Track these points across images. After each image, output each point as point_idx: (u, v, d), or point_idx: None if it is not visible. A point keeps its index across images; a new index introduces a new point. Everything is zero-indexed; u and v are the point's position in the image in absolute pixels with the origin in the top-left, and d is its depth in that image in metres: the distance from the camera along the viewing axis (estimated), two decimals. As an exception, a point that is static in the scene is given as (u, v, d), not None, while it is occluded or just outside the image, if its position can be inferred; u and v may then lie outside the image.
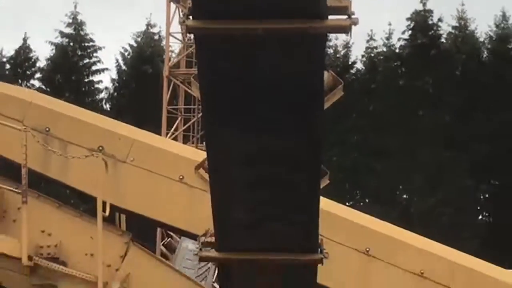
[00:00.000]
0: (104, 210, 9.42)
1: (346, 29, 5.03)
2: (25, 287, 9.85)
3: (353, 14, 4.99)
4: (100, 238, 9.41)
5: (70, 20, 55.66)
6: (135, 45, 57.71)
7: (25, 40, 57.80)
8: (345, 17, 4.93)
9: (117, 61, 58.57)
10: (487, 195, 64.85)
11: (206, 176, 8.78)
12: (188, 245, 12.54)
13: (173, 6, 35.21)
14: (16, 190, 9.42)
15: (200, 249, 7.28)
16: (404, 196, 66.26)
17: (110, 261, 9.54)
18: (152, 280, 9.92)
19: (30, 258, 9.27)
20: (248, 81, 5.76)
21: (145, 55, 55.33)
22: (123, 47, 57.10)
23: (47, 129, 9.84)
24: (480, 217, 65.35)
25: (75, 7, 54.07)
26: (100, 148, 9.63)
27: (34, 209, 9.49)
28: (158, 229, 14.29)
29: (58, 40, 55.51)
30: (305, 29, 5.01)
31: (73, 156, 9.72)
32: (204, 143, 9.18)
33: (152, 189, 9.97)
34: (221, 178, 6.68)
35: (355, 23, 5.21)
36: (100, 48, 57.34)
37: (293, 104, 5.76)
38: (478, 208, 64.83)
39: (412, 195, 58.97)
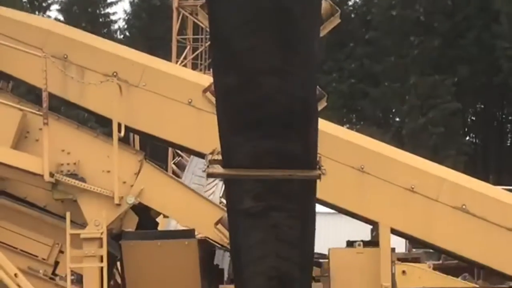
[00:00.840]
0: (119, 131, 9.41)
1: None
2: (47, 201, 9.88)
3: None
4: (115, 156, 9.45)
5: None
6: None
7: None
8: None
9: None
10: (473, 118, 64.79)
11: (213, 99, 8.88)
12: (197, 164, 12.45)
13: None
14: (38, 113, 9.40)
15: (208, 166, 7.26)
16: (397, 119, 66.56)
17: (125, 177, 9.55)
18: (164, 194, 9.97)
19: (51, 175, 9.28)
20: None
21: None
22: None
23: (65, 56, 9.71)
24: (467, 138, 65.47)
25: None
26: (115, 73, 9.59)
27: (54, 130, 9.49)
28: (169, 149, 14.23)
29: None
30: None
31: (90, 82, 9.65)
32: (211, 70, 9.19)
33: (162, 111, 9.90)
34: (226, 102, 6.74)
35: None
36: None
37: None
38: (466, 129, 64.96)
39: (404, 117, 59.06)
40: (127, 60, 10.19)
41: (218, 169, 7.25)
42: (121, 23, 57.60)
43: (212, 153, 7.44)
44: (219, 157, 7.26)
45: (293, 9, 5.84)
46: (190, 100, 9.81)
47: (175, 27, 35.58)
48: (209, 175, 7.41)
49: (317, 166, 7.08)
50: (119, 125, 9.46)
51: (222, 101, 7.12)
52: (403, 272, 11.60)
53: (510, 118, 66.93)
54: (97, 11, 57.30)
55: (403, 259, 13.49)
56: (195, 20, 34.72)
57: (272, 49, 6.55)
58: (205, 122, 9.71)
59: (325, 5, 6.28)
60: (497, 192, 10.68)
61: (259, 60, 6.55)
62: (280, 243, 8.23)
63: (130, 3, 59.16)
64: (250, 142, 6.81)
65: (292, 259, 8.62)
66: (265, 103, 6.74)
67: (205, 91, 9.87)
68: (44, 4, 58.48)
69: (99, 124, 11.38)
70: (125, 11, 58.54)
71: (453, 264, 16.02)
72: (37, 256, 9.94)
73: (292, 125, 6.81)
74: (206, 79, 10.65)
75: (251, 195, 7.60)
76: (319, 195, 8.14)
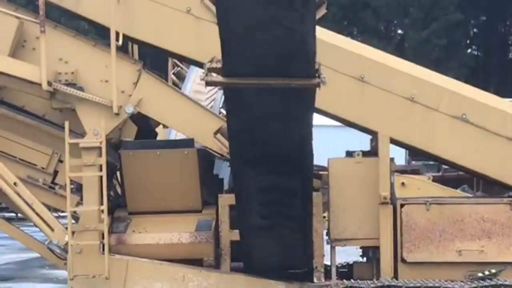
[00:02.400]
0: (117, 40, 9.40)
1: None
2: (46, 110, 9.94)
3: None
4: (113, 65, 9.42)
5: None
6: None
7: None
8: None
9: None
10: (476, 30, 64.72)
11: (212, 6, 9.03)
12: (197, 73, 12.46)
13: None
14: (35, 20, 9.36)
15: (206, 75, 7.41)
16: (399, 31, 66.60)
17: (123, 87, 9.55)
18: (163, 104, 9.96)
19: (49, 83, 9.30)
20: None
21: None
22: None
23: None
24: (469, 50, 65.58)
25: None
26: None
27: (51, 38, 9.46)
28: (169, 60, 14.21)
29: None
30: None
31: None
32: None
33: (161, 20, 9.83)
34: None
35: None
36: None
37: None
38: (468, 41, 65.08)
39: (406, 29, 59.07)
40: None
41: (217, 77, 7.38)
42: None
43: (211, 61, 7.56)
44: (218, 65, 7.36)
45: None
46: (189, 8, 9.71)
47: None
48: (208, 84, 7.57)
49: (317, 75, 7.15)
50: (117, 33, 9.43)
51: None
52: (402, 183, 11.69)
53: (512, 30, 67.05)
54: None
55: (402, 171, 13.61)
56: None
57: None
58: (204, 30, 9.71)
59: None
60: (498, 101, 10.72)
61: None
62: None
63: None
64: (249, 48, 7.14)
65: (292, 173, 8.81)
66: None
67: None
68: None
69: (100, 37, 11.39)
70: None
71: (453, 176, 16.06)
72: (36, 165, 10.03)
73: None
74: None
75: None
76: (319, 105, 8.41)
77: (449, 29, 58.89)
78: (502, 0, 57.75)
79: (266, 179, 8.80)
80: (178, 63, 13.90)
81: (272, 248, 9.43)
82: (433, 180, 12.73)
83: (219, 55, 7.82)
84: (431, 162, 17.93)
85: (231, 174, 10.11)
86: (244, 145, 8.51)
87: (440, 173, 22.12)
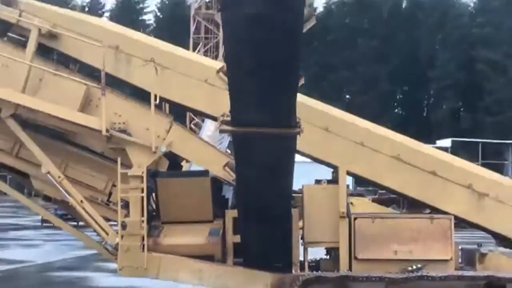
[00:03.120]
0: (155, 100, 9.28)
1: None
2: (104, 149, 9.85)
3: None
4: (153, 118, 9.29)
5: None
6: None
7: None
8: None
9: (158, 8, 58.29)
10: (401, 96, 64.89)
11: (224, 78, 8.95)
12: (210, 123, 12.35)
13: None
14: (98, 86, 9.28)
15: (220, 125, 7.42)
16: (347, 96, 66.82)
17: (159, 133, 9.45)
18: (186, 145, 9.83)
19: (107, 130, 9.19)
20: None
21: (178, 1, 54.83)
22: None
23: (117, 46, 9.61)
24: (396, 110, 65.77)
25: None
26: (152, 59, 9.50)
27: (109, 99, 9.30)
28: (188, 114, 14.11)
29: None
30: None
31: (135, 65, 9.63)
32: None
33: (186, 86, 9.73)
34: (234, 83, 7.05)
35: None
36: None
37: None
38: (395, 104, 65.35)
39: (353, 95, 59.31)
40: (161, 50, 10.02)
41: (227, 127, 7.36)
42: (153, 25, 57.53)
43: (222, 115, 7.51)
44: (228, 118, 7.33)
45: None
46: (206, 79, 9.68)
47: (192, 28, 35.98)
48: (221, 131, 7.49)
49: (298, 125, 7.19)
50: (155, 96, 9.32)
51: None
52: (351, 203, 11.59)
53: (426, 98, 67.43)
54: (135, 17, 57.45)
55: (351, 194, 13.60)
56: (206, 24, 35.03)
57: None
58: (217, 94, 9.56)
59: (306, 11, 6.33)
60: (421, 145, 10.57)
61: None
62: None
63: (159, 9, 59.02)
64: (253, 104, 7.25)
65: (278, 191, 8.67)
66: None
67: (218, 71, 9.71)
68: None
69: (140, 98, 11.45)
70: (155, 16, 58.26)
71: (385, 198, 15.96)
72: (96, 188, 9.92)
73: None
74: (216, 63, 10.47)
75: None
76: (298, 147, 8.35)
77: (382, 95, 59.27)
78: (419, 74, 58.30)
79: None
80: (193, 116, 13.72)
81: (263, 248, 9.32)
82: (372, 201, 12.77)
83: (227, 111, 7.78)
84: (370, 188, 17.88)
85: (234, 196, 9.92)
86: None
87: (376, 196, 22.17)
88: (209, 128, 12.80)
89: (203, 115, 11.41)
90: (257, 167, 7.99)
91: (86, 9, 55.25)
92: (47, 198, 10.22)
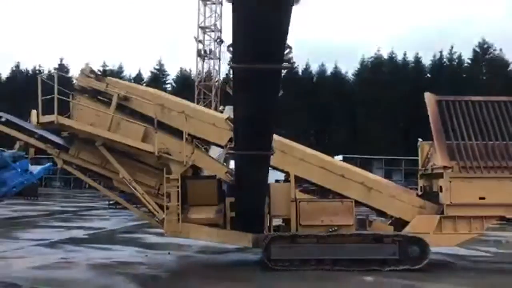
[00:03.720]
0: (186, 135, 10.51)
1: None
2: (155, 163, 10.75)
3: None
4: (184, 145, 10.42)
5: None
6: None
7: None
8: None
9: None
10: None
11: (230, 124, 9.89)
12: (215, 149, 12.81)
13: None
14: (152, 127, 10.44)
15: (227, 149, 8.36)
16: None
17: (187, 153, 10.53)
18: (203, 161, 10.90)
19: (158, 152, 10.36)
20: None
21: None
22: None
23: (162, 104, 10.81)
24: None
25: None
26: (183, 111, 10.63)
27: (159, 135, 10.47)
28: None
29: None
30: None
31: (173, 115, 10.70)
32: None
33: (202, 127, 10.80)
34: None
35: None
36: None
37: None
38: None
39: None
40: (187, 106, 11.27)
41: (232, 151, 8.25)
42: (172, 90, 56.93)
43: (227, 145, 8.88)
44: (232, 145, 8.36)
45: None
46: (213, 123, 10.89)
47: (196, 92, 35.79)
48: (228, 153, 8.56)
49: (273, 150, 8.11)
50: (187, 133, 10.57)
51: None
52: None
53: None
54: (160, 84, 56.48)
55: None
56: (204, 90, 35.25)
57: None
58: (222, 132, 10.75)
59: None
60: (333, 159, 11.81)
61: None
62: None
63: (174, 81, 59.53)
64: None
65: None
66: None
67: (226, 119, 10.60)
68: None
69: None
70: (172, 85, 58.82)
71: (308, 188, 15.94)
72: (151, 185, 10.99)
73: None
74: (219, 114, 11.87)
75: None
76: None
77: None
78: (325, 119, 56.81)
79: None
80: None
81: (248, 219, 10.49)
82: (299, 191, 12.38)
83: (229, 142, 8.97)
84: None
85: (228, 189, 10.80)
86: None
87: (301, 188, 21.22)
88: (214, 150, 13.43)
89: (210, 144, 12.00)
90: (249, 173, 8.91)
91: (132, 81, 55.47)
92: (122, 192, 11.39)
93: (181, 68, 62.03)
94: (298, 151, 11.08)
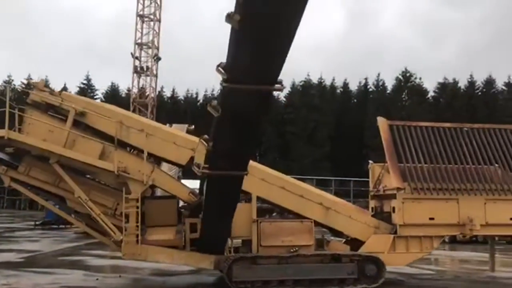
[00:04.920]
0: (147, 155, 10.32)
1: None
2: (113, 182, 10.53)
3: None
4: (144, 164, 10.26)
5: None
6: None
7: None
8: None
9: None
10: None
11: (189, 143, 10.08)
12: (166, 166, 12.14)
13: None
14: (111, 145, 10.16)
15: (201, 170, 7.95)
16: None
17: (147, 173, 10.29)
18: (164, 181, 10.65)
19: (117, 171, 10.13)
20: None
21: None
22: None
23: (121, 121, 10.45)
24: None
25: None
26: (142, 129, 10.43)
27: (118, 153, 10.13)
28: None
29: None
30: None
31: (132, 133, 10.48)
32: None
33: (163, 146, 10.58)
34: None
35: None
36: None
37: None
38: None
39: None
40: (147, 124, 11.03)
41: (207, 170, 7.89)
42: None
43: (198, 165, 8.24)
44: (204, 166, 8.02)
45: None
46: (174, 142, 10.70)
47: (131, 109, 33.67)
48: (203, 174, 8.09)
49: (245, 172, 8.05)
50: (146, 152, 10.37)
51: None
52: None
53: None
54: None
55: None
56: (139, 107, 33.91)
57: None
58: (181, 152, 10.63)
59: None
60: (294, 180, 11.62)
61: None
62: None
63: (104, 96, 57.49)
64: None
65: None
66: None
67: (201, 139, 9.72)
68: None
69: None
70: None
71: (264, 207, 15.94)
72: (107, 206, 10.63)
73: None
74: (179, 132, 11.50)
75: None
76: None
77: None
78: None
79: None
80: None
81: (211, 241, 10.25)
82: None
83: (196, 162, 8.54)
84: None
85: (188, 209, 10.61)
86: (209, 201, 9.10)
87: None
88: (163, 168, 12.71)
89: (170, 163, 11.48)
90: (222, 193, 8.65)
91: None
92: (76, 212, 10.84)
93: (112, 83, 60.26)
94: (259, 171, 11.04)
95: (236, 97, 5.98)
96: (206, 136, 8.04)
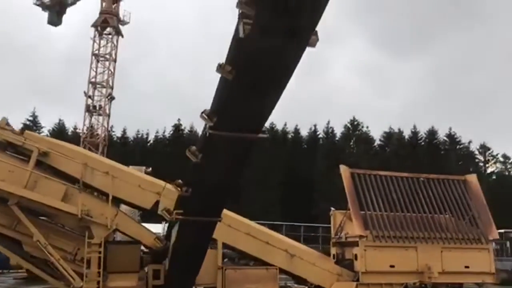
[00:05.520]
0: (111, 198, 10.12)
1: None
2: (74, 226, 10.33)
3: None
4: (109, 209, 10.06)
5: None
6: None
7: None
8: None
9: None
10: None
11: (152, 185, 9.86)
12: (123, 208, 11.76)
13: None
14: (75, 187, 9.98)
15: (175, 215, 8.12)
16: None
17: (111, 216, 10.11)
18: (128, 226, 10.54)
19: (80, 214, 9.87)
20: None
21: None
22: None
23: (86, 163, 10.29)
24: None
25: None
26: (107, 172, 10.30)
27: (82, 196, 9.95)
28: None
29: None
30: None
31: (97, 175, 10.32)
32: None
33: (128, 188, 10.46)
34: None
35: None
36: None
37: None
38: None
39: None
40: (113, 166, 10.83)
41: (181, 216, 7.98)
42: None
43: (170, 212, 8.42)
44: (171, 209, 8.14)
45: None
46: (139, 185, 10.60)
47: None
48: (177, 219, 8.18)
49: (219, 219, 8.11)
50: (112, 196, 10.18)
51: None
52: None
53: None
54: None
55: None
56: (90, 147, 33.30)
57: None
58: (147, 195, 10.50)
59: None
60: (260, 227, 11.79)
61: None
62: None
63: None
64: None
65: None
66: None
67: (173, 184, 9.22)
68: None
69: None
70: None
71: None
72: (67, 251, 10.29)
73: None
74: (141, 174, 11.43)
75: None
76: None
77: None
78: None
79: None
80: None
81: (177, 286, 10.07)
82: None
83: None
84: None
85: (151, 255, 10.47)
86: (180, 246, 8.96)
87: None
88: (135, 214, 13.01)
89: (132, 206, 11.29)
90: (194, 239, 8.61)
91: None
92: (33, 257, 10.32)
93: (59, 120, 58.63)
94: (226, 217, 10.68)
95: (220, 143, 6.08)
96: (179, 181, 8.11)
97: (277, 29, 4.05)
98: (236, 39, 4.71)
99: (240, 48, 4.59)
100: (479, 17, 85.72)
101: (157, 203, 10.38)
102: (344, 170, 13.03)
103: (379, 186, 13.01)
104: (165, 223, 11.84)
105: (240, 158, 6.45)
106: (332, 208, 13.67)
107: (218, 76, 5.31)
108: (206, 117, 5.88)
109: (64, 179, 10.32)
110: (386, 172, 13.63)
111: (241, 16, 4.40)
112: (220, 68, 5.36)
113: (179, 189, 8.16)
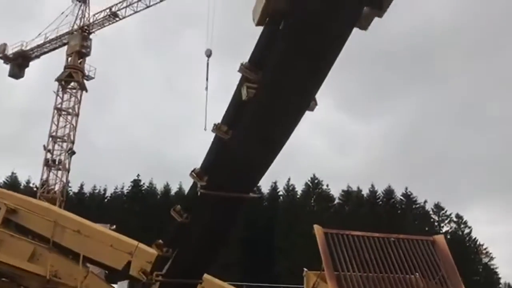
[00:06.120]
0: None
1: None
2: (42, 287, 9.76)
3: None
4: (81, 269, 9.76)
5: None
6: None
7: None
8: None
9: None
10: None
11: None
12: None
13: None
14: (44, 246, 9.66)
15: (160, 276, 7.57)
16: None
17: (81, 278, 9.75)
18: (97, 286, 10.07)
19: (48, 275, 9.51)
20: None
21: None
22: None
23: (56, 220, 9.93)
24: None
25: None
26: (78, 230, 9.97)
27: (51, 256, 9.69)
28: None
29: None
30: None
31: (67, 233, 9.93)
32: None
33: (99, 248, 10.07)
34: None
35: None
36: None
37: None
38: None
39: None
40: (84, 224, 10.47)
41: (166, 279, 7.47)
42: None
43: (145, 272, 8.27)
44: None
45: None
46: (111, 245, 10.19)
47: None
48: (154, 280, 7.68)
49: (201, 281, 7.65)
50: (81, 256, 9.83)
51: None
52: None
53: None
54: None
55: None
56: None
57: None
58: (118, 255, 10.10)
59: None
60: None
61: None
62: None
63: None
64: None
65: None
66: None
67: (153, 245, 8.48)
68: None
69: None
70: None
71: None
72: None
73: None
74: (122, 236, 10.78)
75: None
76: None
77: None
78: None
79: None
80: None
81: None
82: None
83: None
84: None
85: None
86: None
87: None
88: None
89: (105, 268, 10.71)
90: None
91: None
92: None
93: (12, 172, 56.57)
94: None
95: (210, 203, 6.02)
96: (160, 241, 7.87)
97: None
98: (236, 101, 4.81)
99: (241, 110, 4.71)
100: (434, 79, 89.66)
101: (128, 263, 10.00)
102: (317, 229, 13.00)
103: (352, 246, 13.01)
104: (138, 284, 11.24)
105: (229, 217, 6.34)
106: (305, 269, 13.51)
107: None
108: (195, 176, 5.84)
109: (30, 237, 9.99)
110: (358, 232, 13.68)
111: (243, 80, 4.52)
112: (216, 128, 5.42)
113: (159, 250, 7.88)
